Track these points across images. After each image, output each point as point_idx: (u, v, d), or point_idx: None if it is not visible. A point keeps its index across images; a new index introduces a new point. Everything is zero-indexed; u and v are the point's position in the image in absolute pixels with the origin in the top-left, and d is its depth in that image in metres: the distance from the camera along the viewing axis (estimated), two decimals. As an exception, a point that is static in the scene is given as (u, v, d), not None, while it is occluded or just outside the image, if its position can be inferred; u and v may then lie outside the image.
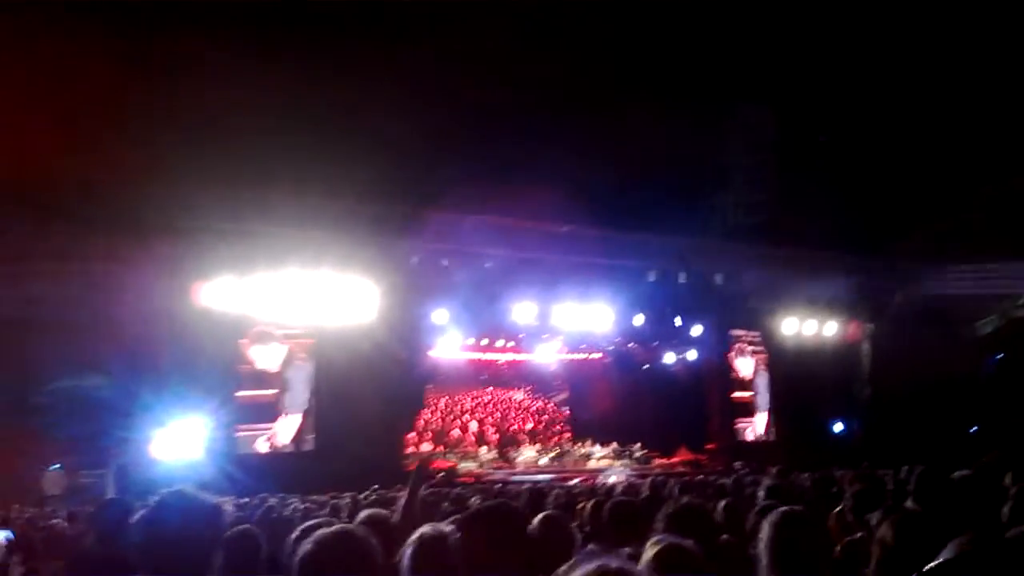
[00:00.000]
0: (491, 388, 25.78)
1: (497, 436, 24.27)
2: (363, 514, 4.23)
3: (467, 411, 24.94)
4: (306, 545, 2.57)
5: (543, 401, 26.44)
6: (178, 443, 15.70)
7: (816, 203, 21.65)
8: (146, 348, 15.19)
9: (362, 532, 2.70)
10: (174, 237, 15.45)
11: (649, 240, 20.83)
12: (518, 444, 23.68)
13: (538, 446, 23.48)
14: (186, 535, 2.76)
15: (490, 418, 25.10)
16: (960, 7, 18.24)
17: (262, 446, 17.30)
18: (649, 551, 2.83)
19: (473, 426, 24.51)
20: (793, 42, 20.01)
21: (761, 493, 5.90)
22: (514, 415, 25.64)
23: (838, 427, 23.97)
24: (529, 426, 25.42)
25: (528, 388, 26.24)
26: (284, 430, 17.64)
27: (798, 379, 23.19)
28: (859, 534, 4.47)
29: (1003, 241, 21.13)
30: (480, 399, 25.45)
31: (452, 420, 24.51)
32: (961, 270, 22.72)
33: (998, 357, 24.18)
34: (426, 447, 22.48)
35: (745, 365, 23.80)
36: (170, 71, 15.80)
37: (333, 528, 2.71)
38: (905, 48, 19.71)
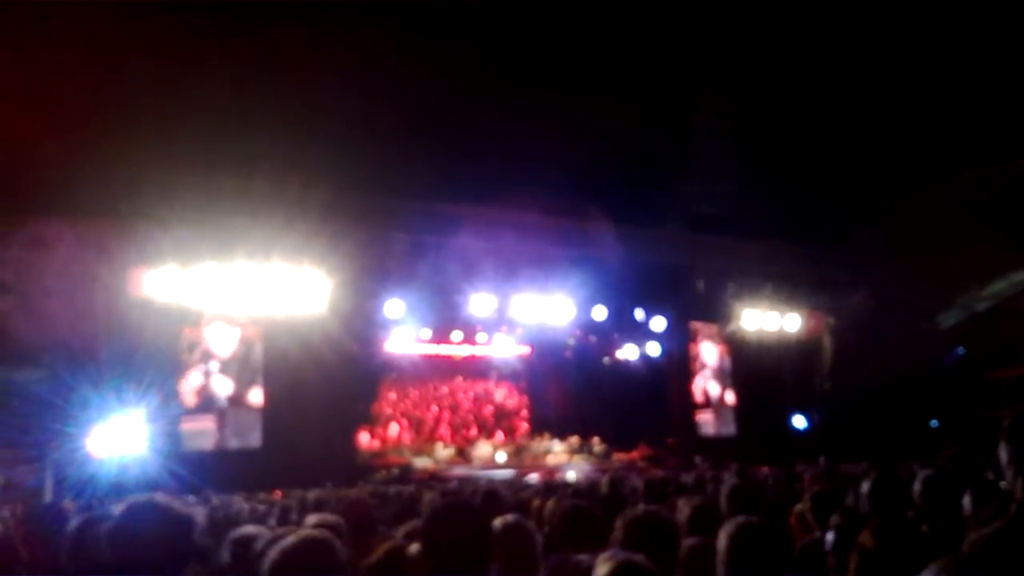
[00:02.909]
0: (448, 382, 25.33)
1: (454, 431, 23.90)
2: (312, 518, 4.17)
3: (423, 405, 24.49)
4: (274, 553, 2.55)
5: (501, 395, 26.05)
6: (118, 439, 15.15)
7: (779, 195, 21.51)
8: (83, 339, 14.62)
9: (331, 538, 2.68)
10: (113, 223, 14.87)
11: (610, 230, 20.53)
12: (475, 439, 23.30)
13: (495, 441, 23.10)
14: (157, 545, 2.66)
15: (446, 413, 24.67)
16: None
17: (207, 442, 16.76)
18: (601, 568, 2.73)
19: (425, 421, 24.12)
20: (758, 32, 19.85)
21: (723, 497, 5.59)
22: (471, 410, 25.22)
23: (799, 421, 23.86)
24: (487, 421, 25.02)
25: (486, 382, 25.84)
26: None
27: (759, 372, 23.10)
28: (818, 534, 4.38)
29: (966, 234, 21.07)
30: (436, 393, 25.00)
31: (406, 414, 24.04)
32: (923, 263, 22.67)
33: (959, 351, 24.21)
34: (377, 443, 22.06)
35: (706, 358, 23.59)
36: (112, 50, 15.20)
37: (303, 535, 2.66)
38: (868, 39, 19.62)
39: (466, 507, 3.01)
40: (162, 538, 2.66)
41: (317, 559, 2.54)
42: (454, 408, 24.66)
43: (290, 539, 2.60)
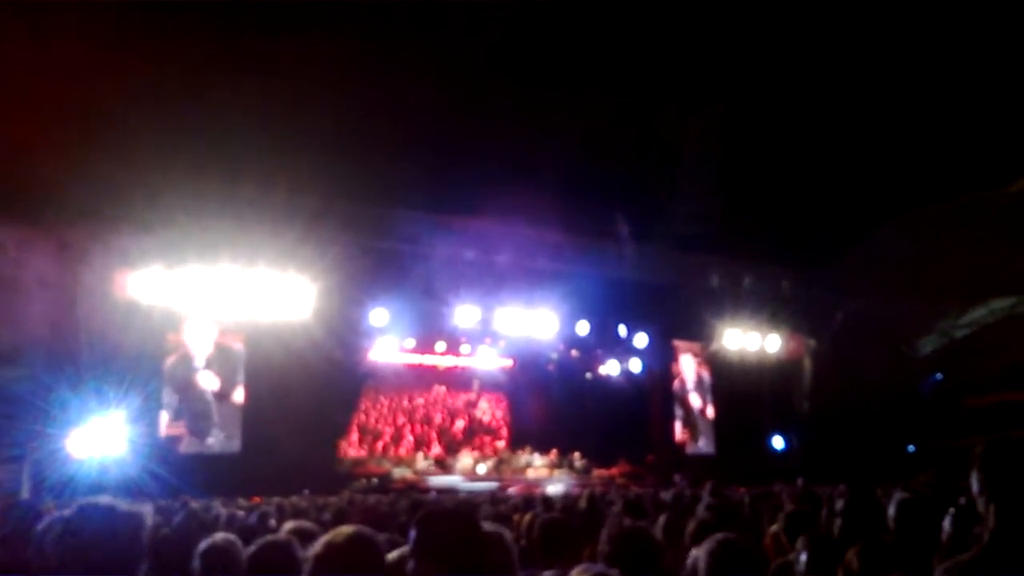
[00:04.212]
0: (430, 392, 25.29)
1: (435, 442, 23.85)
2: (289, 525, 4.13)
3: (405, 415, 24.42)
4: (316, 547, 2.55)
5: (483, 407, 26.04)
6: (98, 440, 15.05)
7: (762, 216, 21.67)
8: (66, 340, 14.53)
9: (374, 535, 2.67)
10: (98, 224, 14.81)
11: (596, 246, 20.64)
12: (455, 451, 23.27)
13: (476, 453, 23.07)
14: (105, 546, 2.58)
15: (428, 423, 24.63)
16: (911, 21, 18.33)
17: (186, 445, 16.69)
18: None
19: (413, 427, 24.06)
20: (746, 54, 20.01)
21: (701, 512, 5.65)
22: (452, 421, 25.18)
23: (777, 442, 23.98)
24: (468, 432, 24.99)
25: (468, 393, 25.81)
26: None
27: (739, 392, 23.22)
28: (790, 556, 4.21)
29: (946, 259, 21.27)
30: (418, 403, 24.94)
31: (388, 423, 23.96)
32: (903, 289, 22.86)
33: (937, 377, 24.39)
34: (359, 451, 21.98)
35: (688, 376, 23.69)
36: (98, 54, 15.16)
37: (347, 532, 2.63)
38: (855, 65, 19.81)
39: (458, 512, 3.01)
40: (110, 539, 2.59)
41: (361, 556, 2.54)
42: (426, 421, 24.53)
43: (336, 534, 2.61)
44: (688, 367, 23.72)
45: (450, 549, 2.74)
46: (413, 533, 2.80)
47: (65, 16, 14.19)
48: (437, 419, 24.81)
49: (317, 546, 2.56)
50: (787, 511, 5.06)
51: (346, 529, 2.63)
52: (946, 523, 3.68)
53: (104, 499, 2.72)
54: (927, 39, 18.29)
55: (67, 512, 2.69)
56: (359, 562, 2.51)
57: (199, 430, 16.94)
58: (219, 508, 9.72)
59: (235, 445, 17.22)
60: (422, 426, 24.20)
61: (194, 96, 15.51)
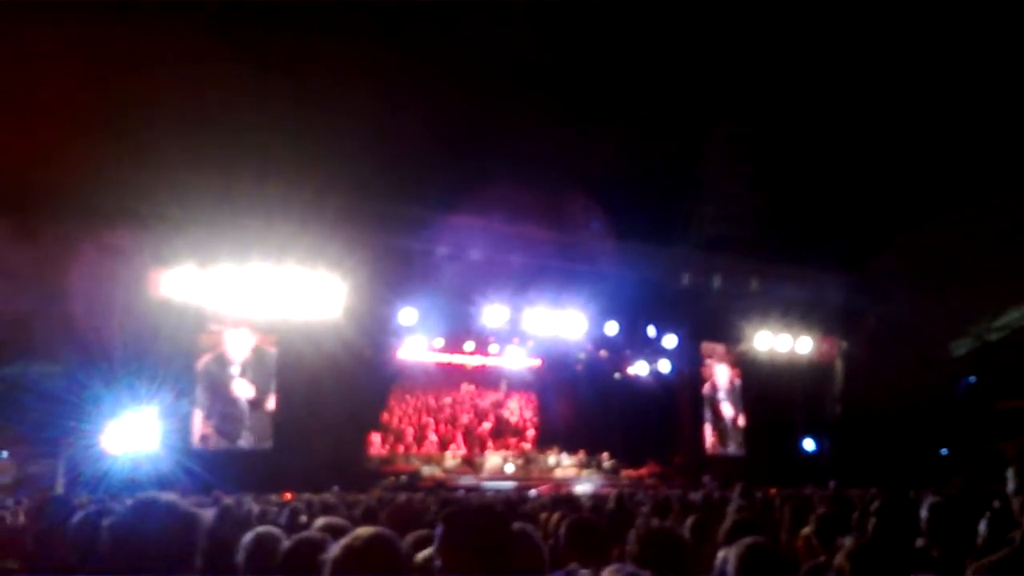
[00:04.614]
0: (458, 391, 25.33)
1: (463, 441, 23.88)
2: (320, 521, 4.10)
3: (433, 414, 24.46)
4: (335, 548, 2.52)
5: (511, 406, 26.05)
6: (131, 435, 15.23)
7: (795, 218, 21.53)
8: (100, 337, 14.70)
9: (395, 536, 2.62)
10: (132, 224, 14.98)
11: (625, 248, 20.57)
12: (484, 450, 23.30)
13: (504, 452, 23.09)
14: (160, 545, 2.58)
15: (456, 422, 24.67)
16: (937, 30, 18.16)
17: (218, 441, 16.84)
18: None
19: (439, 427, 24.10)
20: (778, 58, 19.91)
21: (732, 513, 5.63)
22: (481, 420, 25.21)
23: (808, 444, 23.79)
24: (496, 431, 25.00)
25: (496, 392, 25.83)
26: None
27: (770, 394, 23.06)
28: (823, 558, 4.32)
29: (980, 263, 21.03)
30: (447, 402, 24.98)
31: (411, 423, 23.99)
32: (936, 292, 22.62)
33: (970, 380, 24.10)
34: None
35: (718, 377, 23.57)
36: (132, 58, 15.36)
37: (368, 532, 2.59)
38: (884, 68, 19.65)
39: (486, 509, 3.00)
40: (167, 537, 2.60)
41: (381, 557, 2.50)
42: (451, 420, 24.54)
43: (356, 536, 2.56)
44: (721, 374, 23.60)
45: (477, 546, 2.72)
46: (440, 530, 2.78)
47: (96, 17, 14.37)
48: (464, 419, 24.83)
49: (336, 548, 2.52)
50: (819, 514, 5.04)
51: (366, 530, 2.60)
52: (982, 526, 3.65)
53: (164, 496, 2.73)
54: (966, 41, 18.10)
55: (124, 506, 2.70)
56: (380, 563, 2.47)
57: (228, 432, 17.05)
58: (251, 504, 9.82)
59: (266, 442, 17.36)
60: (447, 426, 24.20)
61: (226, 97, 15.66)
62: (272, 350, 17.66)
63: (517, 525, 3.65)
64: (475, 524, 2.81)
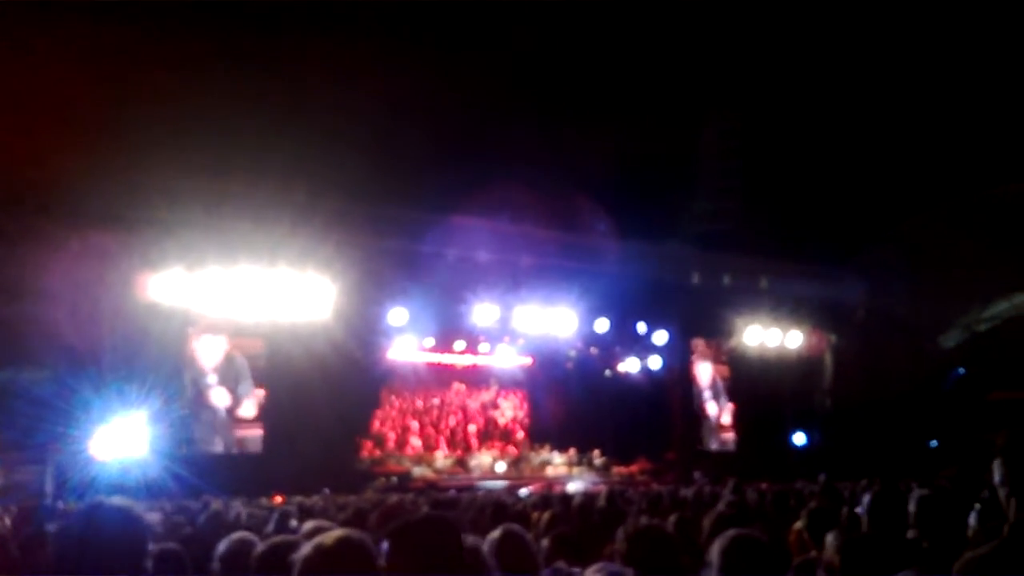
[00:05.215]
0: (448, 391, 25.27)
1: (453, 441, 23.83)
2: (309, 525, 4.16)
3: (418, 416, 24.35)
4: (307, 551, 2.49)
5: (502, 407, 26.00)
6: (120, 441, 15.15)
7: (783, 213, 21.57)
8: (88, 341, 14.64)
9: (366, 538, 2.57)
10: (120, 227, 14.91)
11: (615, 245, 20.58)
12: (474, 449, 23.27)
13: (495, 452, 23.06)
14: (108, 549, 2.59)
15: (446, 422, 24.61)
16: (928, 21, 18.21)
17: (208, 445, 16.78)
18: None
19: (424, 429, 24.02)
20: (765, 52, 19.93)
21: (720, 509, 5.63)
22: (471, 419, 25.16)
23: (799, 438, 23.85)
24: (486, 431, 24.96)
25: (486, 391, 25.79)
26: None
27: (760, 389, 23.11)
28: (812, 553, 4.32)
29: (968, 254, 21.11)
30: (434, 403, 24.90)
31: (400, 425, 23.88)
32: (925, 284, 22.70)
33: (960, 372, 24.20)
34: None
35: (707, 373, 23.61)
36: (119, 61, 15.28)
37: (338, 535, 2.56)
38: (874, 60, 19.69)
39: (435, 521, 2.84)
40: (114, 542, 2.60)
41: (351, 558, 2.45)
42: (435, 424, 24.43)
43: (325, 538, 2.52)
44: (704, 372, 23.64)
45: (426, 564, 2.61)
46: (386, 547, 2.65)
47: (83, 19, 14.29)
48: (451, 421, 24.71)
49: (306, 548, 2.49)
50: (810, 508, 5.03)
51: (335, 532, 2.57)
52: (972, 519, 3.66)
53: (115, 500, 2.73)
54: (954, 34, 18.15)
55: (73, 513, 2.72)
56: (349, 564, 2.42)
57: (210, 440, 17.02)
58: (240, 508, 9.78)
59: (255, 445, 17.30)
60: (431, 429, 24.04)
61: (214, 98, 15.60)
62: (243, 355, 17.51)
63: (509, 525, 3.64)
64: (422, 540, 2.68)
